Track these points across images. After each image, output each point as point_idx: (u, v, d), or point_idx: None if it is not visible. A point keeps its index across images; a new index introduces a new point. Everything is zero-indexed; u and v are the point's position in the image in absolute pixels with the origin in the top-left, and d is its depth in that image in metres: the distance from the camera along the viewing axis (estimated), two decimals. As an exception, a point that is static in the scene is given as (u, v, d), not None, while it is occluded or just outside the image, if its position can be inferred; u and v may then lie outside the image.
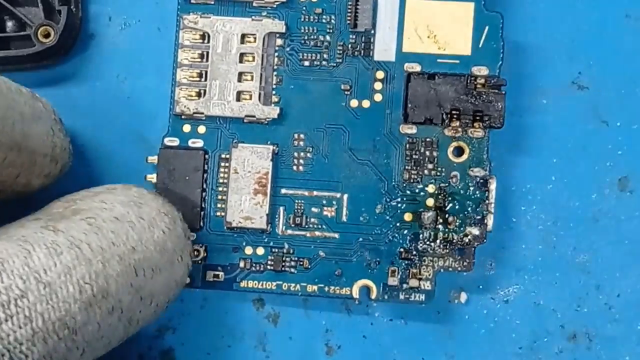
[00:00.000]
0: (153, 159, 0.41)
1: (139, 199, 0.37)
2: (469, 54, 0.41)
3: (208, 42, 0.41)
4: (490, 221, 0.41)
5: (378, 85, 0.41)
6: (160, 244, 0.36)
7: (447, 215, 0.41)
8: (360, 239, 0.41)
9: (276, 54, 0.41)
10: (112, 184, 0.41)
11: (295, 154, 0.41)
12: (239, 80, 0.41)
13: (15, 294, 0.30)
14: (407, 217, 0.41)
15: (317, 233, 0.41)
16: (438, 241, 0.41)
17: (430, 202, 0.41)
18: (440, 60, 0.41)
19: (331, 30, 0.41)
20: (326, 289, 0.41)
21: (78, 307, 0.31)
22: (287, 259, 0.41)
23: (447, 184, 0.41)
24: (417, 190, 0.41)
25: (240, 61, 0.41)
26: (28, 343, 0.29)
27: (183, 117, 0.41)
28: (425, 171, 0.41)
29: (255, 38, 0.41)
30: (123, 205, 0.36)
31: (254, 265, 0.41)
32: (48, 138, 0.37)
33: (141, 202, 0.37)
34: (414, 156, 0.41)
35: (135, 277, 0.34)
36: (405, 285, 0.41)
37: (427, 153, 0.41)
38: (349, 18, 0.41)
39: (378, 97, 0.41)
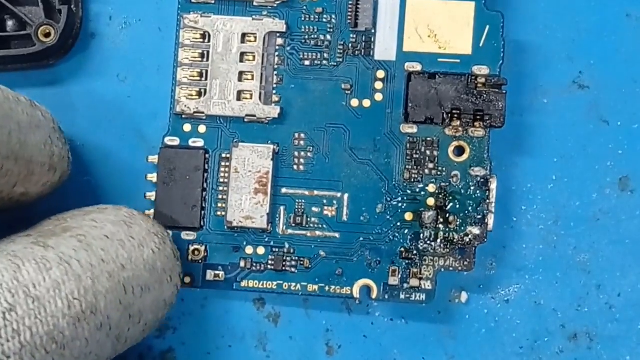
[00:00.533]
0: (154, 158, 0.41)
1: (130, 219, 0.37)
2: (469, 54, 0.41)
3: (209, 41, 0.41)
4: (490, 221, 0.41)
5: (379, 85, 0.41)
6: (150, 263, 0.36)
7: (447, 215, 0.41)
8: (361, 239, 0.41)
9: (277, 53, 0.41)
10: (112, 183, 0.41)
11: (296, 154, 0.41)
12: (240, 80, 0.41)
13: (3, 307, 0.30)
14: (408, 216, 0.41)
15: (318, 233, 0.41)
16: (439, 241, 0.41)
17: (430, 201, 0.41)
18: (441, 59, 0.41)
19: (332, 30, 0.41)
20: (327, 288, 0.41)
21: (66, 322, 0.31)
22: (288, 258, 0.41)
23: (447, 184, 0.41)
24: (417, 190, 0.41)
25: (241, 60, 0.41)
26: (16, 357, 0.29)
27: (184, 116, 0.41)
28: (426, 171, 0.41)
29: (255, 37, 0.41)
30: (113, 225, 0.36)
31: (254, 264, 0.41)
32: (46, 147, 0.37)
33: (131, 222, 0.37)
34: (414, 156, 0.41)
35: (125, 294, 0.34)
36: (405, 285, 0.41)
37: (428, 152, 0.41)
38: (349, 17, 0.41)
39: (379, 97, 0.41)
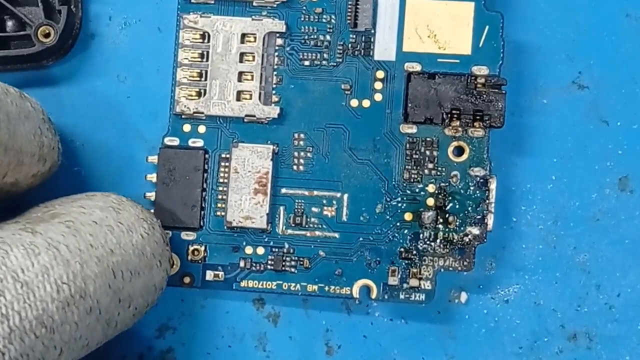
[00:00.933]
0: (153, 158, 0.41)
1: (118, 205, 0.38)
2: (469, 54, 0.41)
3: (208, 41, 0.41)
4: (490, 221, 0.41)
5: (378, 85, 0.41)
6: (139, 248, 0.37)
7: (447, 215, 0.41)
8: (361, 239, 0.41)
9: (276, 53, 0.41)
10: (112, 183, 0.41)
11: (296, 154, 0.41)
12: (239, 80, 0.41)
13: None
14: (408, 216, 0.41)
15: (318, 233, 0.41)
16: (438, 241, 0.41)
17: (430, 201, 0.41)
18: (440, 59, 0.41)
19: (331, 30, 0.41)
20: (326, 288, 0.41)
21: (55, 307, 0.32)
22: (287, 258, 0.41)
23: (447, 184, 0.41)
24: (417, 190, 0.41)
25: (241, 61, 0.41)
26: (5, 341, 0.29)
27: (183, 116, 0.41)
28: (426, 171, 0.41)
29: (255, 38, 0.41)
30: (102, 210, 0.37)
31: (254, 265, 0.41)
32: (36, 137, 0.37)
33: (120, 208, 0.37)
34: (414, 156, 0.41)
35: (114, 279, 0.35)
36: (405, 285, 0.41)
37: (428, 153, 0.41)
38: (349, 18, 0.41)
39: (378, 97, 0.41)
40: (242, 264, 0.41)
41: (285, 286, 0.41)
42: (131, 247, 0.36)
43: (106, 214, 0.36)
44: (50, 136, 0.38)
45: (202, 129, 0.41)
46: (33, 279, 0.31)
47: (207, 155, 0.41)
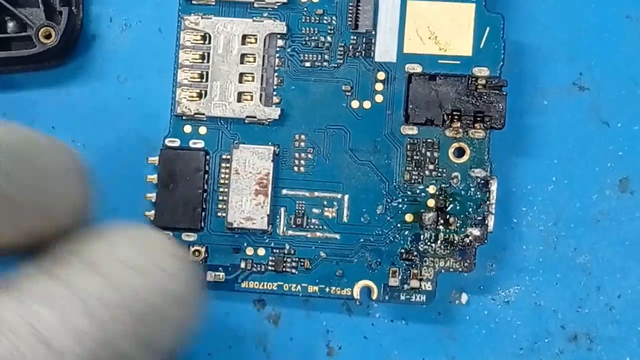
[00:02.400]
0: (154, 159, 0.41)
1: (144, 241, 0.34)
2: (470, 55, 0.41)
3: (209, 43, 0.41)
4: (491, 222, 0.41)
5: (379, 86, 0.41)
6: (167, 289, 0.34)
7: (448, 216, 0.41)
8: (361, 240, 0.41)
9: (277, 54, 0.41)
10: (112, 182, 0.41)
11: (296, 155, 0.41)
12: (240, 81, 0.41)
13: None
14: (408, 217, 0.41)
15: (318, 234, 0.41)
16: (439, 242, 0.41)
17: (431, 202, 0.41)
18: (441, 61, 0.41)
19: (332, 31, 0.41)
20: (327, 289, 0.41)
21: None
22: (288, 259, 0.41)
23: (448, 185, 0.41)
24: (418, 191, 0.41)
25: (241, 62, 0.41)
26: None
27: (184, 117, 0.41)
28: (426, 172, 0.41)
29: (256, 39, 0.41)
30: (126, 247, 0.34)
31: (255, 265, 0.41)
32: (69, 194, 0.35)
33: (146, 244, 0.34)
34: (414, 157, 0.41)
35: (139, 324, 0.33)
36: (406, 286, 0.41)
37: (428, 154, 0.41)
38: (350, 19, 0.41)
39: (379, 98, 0.41)
40: (242, 265, 0.41)
41: (286, 287, 0.41)
42: (158, 288, 0.32)
43: (131, 251, 0.34)
44: (83, 190, 0.36)
45: (203, 130, 0.41)
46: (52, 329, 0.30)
47: (207, 157, 0.41)
